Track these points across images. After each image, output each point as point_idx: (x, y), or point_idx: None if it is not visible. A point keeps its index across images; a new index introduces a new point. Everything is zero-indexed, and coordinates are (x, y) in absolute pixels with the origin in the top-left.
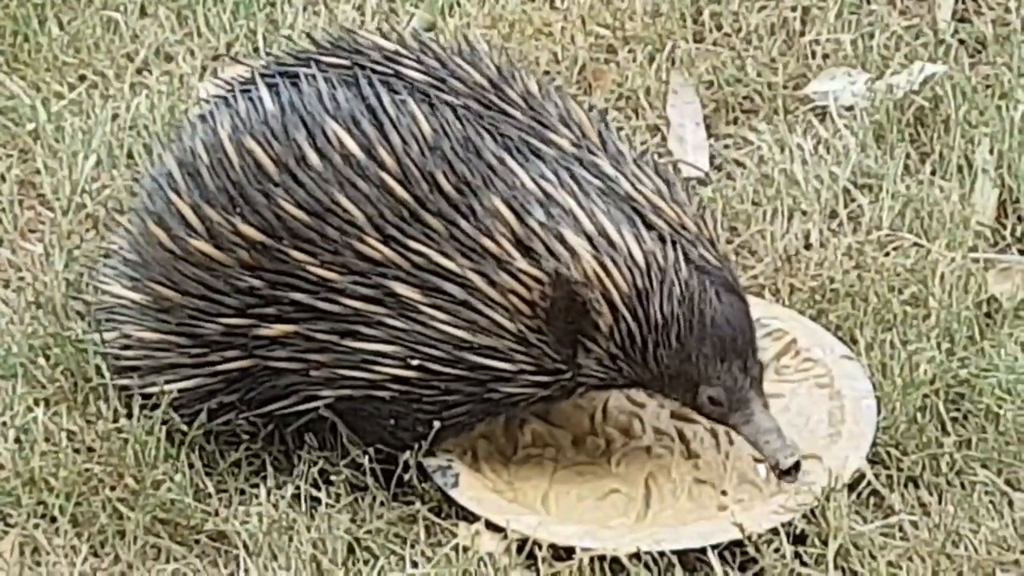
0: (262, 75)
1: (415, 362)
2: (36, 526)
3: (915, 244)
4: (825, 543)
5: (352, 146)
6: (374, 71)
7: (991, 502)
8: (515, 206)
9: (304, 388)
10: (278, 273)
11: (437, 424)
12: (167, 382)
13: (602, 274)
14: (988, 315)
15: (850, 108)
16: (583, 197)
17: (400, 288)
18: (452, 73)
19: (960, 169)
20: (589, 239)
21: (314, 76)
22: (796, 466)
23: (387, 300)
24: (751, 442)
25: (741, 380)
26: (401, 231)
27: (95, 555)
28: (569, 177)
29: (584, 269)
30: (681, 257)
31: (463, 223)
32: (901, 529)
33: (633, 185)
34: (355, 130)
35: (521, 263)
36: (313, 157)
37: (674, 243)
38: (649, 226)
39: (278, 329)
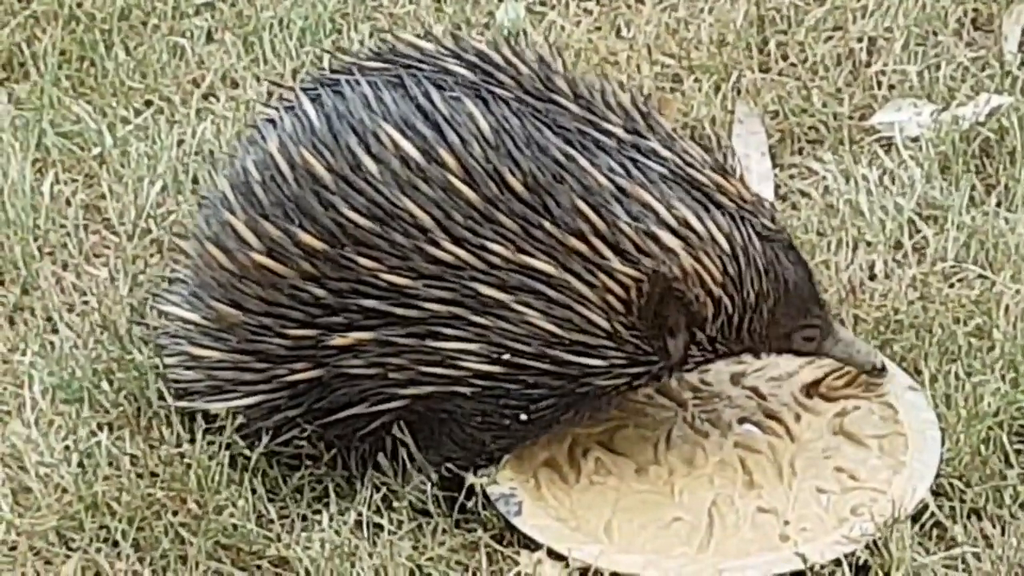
0: (303, 89)
1: (504, 356)
2: (99, 550)
3: (980, 276)
4: (888, 574)
5: (410, 149)
6: (420, 70)
7: None
8: (593, 203)
9: (380, 390)
10: (344, 281)
11: (524, 417)
12: (229, 400)
13: (699, 268)
14: None
15: (915, 139)
16: (655, 189)
17: (484, 289)
18: (497, 67)
19: None
20: (678, 235)
21: (357, 81)
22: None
23: (467, 300)
24: (844, 357)
25: (822, 313)
26: (473, 232)
27: None
28: (635, 168)
29: (682, 266)
30: (752, 232)
31: (544, 222)
32: (964, 561)
33: (691, 165)
34: (410, 132)
35: (616, 263)
36: (369, 163)
37: (742, 219)
38: (718, 205)
39: (352, 337)
